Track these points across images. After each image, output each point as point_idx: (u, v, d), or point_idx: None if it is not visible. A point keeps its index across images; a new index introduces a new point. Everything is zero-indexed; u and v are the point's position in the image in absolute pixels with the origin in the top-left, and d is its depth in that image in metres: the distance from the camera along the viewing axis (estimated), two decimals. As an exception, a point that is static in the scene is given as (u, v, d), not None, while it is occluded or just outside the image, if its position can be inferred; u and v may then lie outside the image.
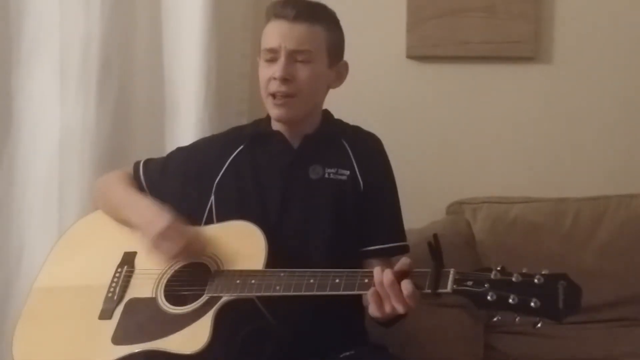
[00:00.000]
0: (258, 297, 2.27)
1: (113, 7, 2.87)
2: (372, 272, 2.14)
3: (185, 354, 2.21)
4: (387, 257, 2.49)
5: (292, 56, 2.46)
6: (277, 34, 2.48)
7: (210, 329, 2.23)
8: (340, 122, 2.68)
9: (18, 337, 2.49)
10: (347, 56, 2.60)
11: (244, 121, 3.01)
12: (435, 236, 2.06)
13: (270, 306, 2.30)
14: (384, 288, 2.09)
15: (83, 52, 2.84)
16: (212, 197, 2.58)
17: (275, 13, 2.49)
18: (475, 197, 3.23)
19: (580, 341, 2.94)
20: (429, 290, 2.04)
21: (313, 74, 2.49)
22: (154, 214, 2.45)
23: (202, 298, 2.32)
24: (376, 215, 2.54)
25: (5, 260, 2.87)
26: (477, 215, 3.17)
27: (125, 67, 2.95)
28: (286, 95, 2.48)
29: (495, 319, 1.97)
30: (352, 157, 2.56)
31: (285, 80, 2.46)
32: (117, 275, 2.50)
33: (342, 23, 2.59)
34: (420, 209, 3.05)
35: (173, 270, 2.46)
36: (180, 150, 2.75)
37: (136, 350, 2.30)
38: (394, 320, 2.25)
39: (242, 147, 2.62)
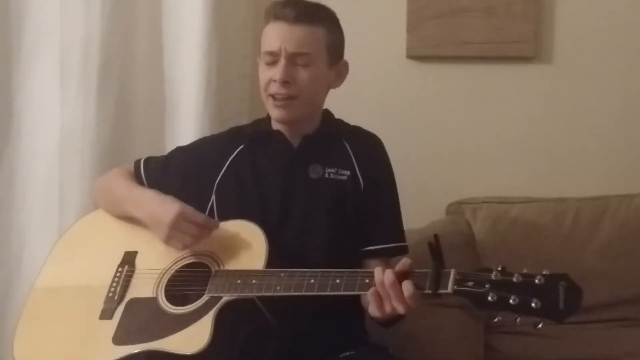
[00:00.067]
0: (258, 297, 2.27)
1: (113, 7, 2.88)
2: (372, 272, 2.14)
3: (186, 354, 2.21)
4: (386, 257, 2.49)
5: (292, 59, 2.46)
6: (277, 36, 2.47)
7: (211, 329, 2.22)
8: (340, 122, 2.68)
9: (19, 337, 2.49)
10: (347, 56, 2.61)
11: (244, 121, 3.01)
12: (435, 236, 2.06)
13: (271, 306, 2.30)
14: (384, 288, 2.09)
15: (83, 52, 2.85)
16: (213, 197, 2.58)
17: (275, 14, 2.49)
18: (475, 197, 3.23)
19: (581, 341, 2.93)
20: (430, 291, 2.04)
21: (313, 76, 2.49)
22: (159, 206, 2.46)
23: (202, 298, 2.32)
24: (376, 215, 2.55)
25: (5, 260, 2.88)
26: (477, 215, 3.16)
27: (126, 67, 2.96)
28: (287, 98, 2.48)
29: (496, 320, 1.97)
30: (352, 157, 2.56)
31: (285, 82, 2.46)
32: (118, 275, 2.51)
33: (342, 23, 2.59)
34: (420, 209, 3.05)
35: (174, 270, 2.46)
36: (180, 149, 2.75)
37: (137, 351, 2.30)
38: (394, 320, 2.25)
39: (242, 146, 2.62)
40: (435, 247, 2.05)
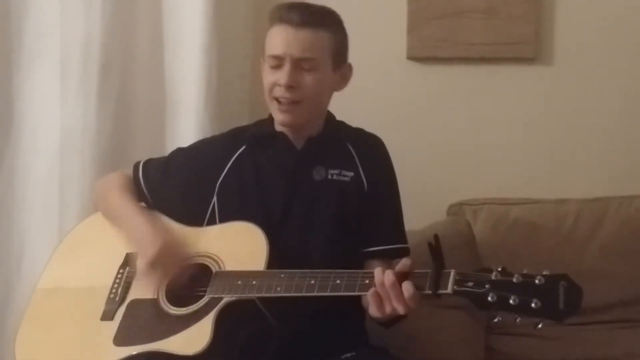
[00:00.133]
0: (259, 298, 2.27)
1: (114, 7, 2.88)
2: (372, 273, 2.14)
3: (187, 355, 2.21)
4: (388, 258, 2.48)
5: (297, 63, 2.45)
6: (282, 40, 2.45)
7: (212, 330, 2.23)
8: (342, 124, 2.68)
9: (20, 338, 2.50)
10: (348, 57, 2.60)
11: (244, 121, 3.01)
12: (435, 237, 2.07)
13: (271, 307, 2.30)
14: (384, 289, 2.09)
15: (84, 52, 2.85)
16: (215, 198, 2.57)
17: (280, 17, 2.47)
18: (476, 198, 3.23)
19: (581, 342, 2.94)
20: (430, 291, 2.04)
21: (318, 80, 2.48)
22: (144, 238, 2.45)
23: (203, 299, 2.32)
24: (379, 216, 2.55)
25: (6, 260, 2.88)
26: (478, 216, 3.16)
27: (126, 67, 2.96)
28: (291, 102, 2.47)
29: (495, 320, 1.97)
30: (356, 158, 2.56)
31: (290, 87, 2.45)
32: (119, 276, 2.51)
33: (343, 24, 2.60)
34: (420, 210, 3.05)
35: (174, 272, 2.46)
36: (181, 151, 2.74)
37: (137, 352, 2.30)
38: (394, 320, 2.26)
39: (244, 147, 2.61)
40: (435, 247, 2.05)
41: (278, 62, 2.46)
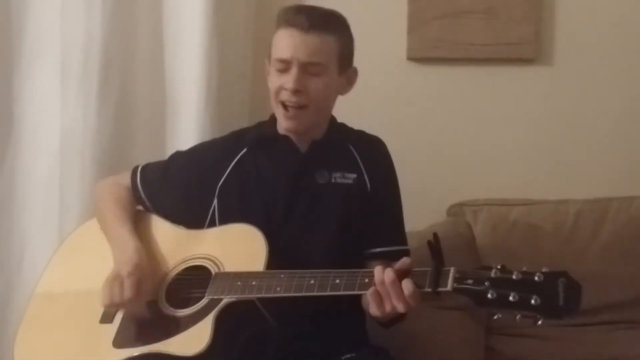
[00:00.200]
0: (259, 299, 2.26)
1: (114, 8, 2.88)
2: (372, 271, 2.14)
3: (187, 356, 2.21)
4: (388, 260, 2.45)
5: (305, 68, 2.44)
6: (289, 44, 2.44)
7: (211, 331, 2.22)
8: (344, 126, 2.68)
9: (19, 341, 2.50)
10: (353, 61, 2.60)
11: (244, 123, 3.01)
12: (435, 235, 2.07)
13: (271, 308, 2.30)
14: (385, 287, 2.09)
15: (84, 53, 2.86)
16: (215, 201, 2.57)
17: (287, 21, 2.46)
18: (476, 199, 3.23)
19: (581, 343, 2.93)
20: (430, 289, 2.04)
21: (324, 85, 2.48)
22: (120, 259, 2.45)
23: (203, 300, 2.32)
24: (381, 218, 2.55)
25: (6, 261, 2.89)
26: (478, 217, 3.16)
27: (126, 68, 2.96)
28: (298, 107, 2.46)
29: (495, 317, 1.97)
30: (359, 160, 2.57)
31: (297, 91, 2.44)
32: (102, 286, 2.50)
33: (343, 25, 2.59)
34: (420, 210, 3.04)
35: (174, 273, 2.47)
36: (180, 154, 2.75)
37: (137, 353, 2.30)
38: (394, 320, 2.26)
39: (245, 150, 2.61)
40: (434, 245, 2.05)
41: (285, 65, 2.45)
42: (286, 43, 2.44)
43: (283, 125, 2.53)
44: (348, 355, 2.45)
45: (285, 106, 2.47)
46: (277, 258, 2.34)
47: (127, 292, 2.36)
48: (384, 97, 3.31)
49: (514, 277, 1.93)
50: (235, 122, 3.05)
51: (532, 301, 1.89)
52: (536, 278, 1.90)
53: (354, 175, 2.54)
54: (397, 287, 2.07)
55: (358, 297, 2.34)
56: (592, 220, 3.12)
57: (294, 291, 2.21)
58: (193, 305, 2.34)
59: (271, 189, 2.54)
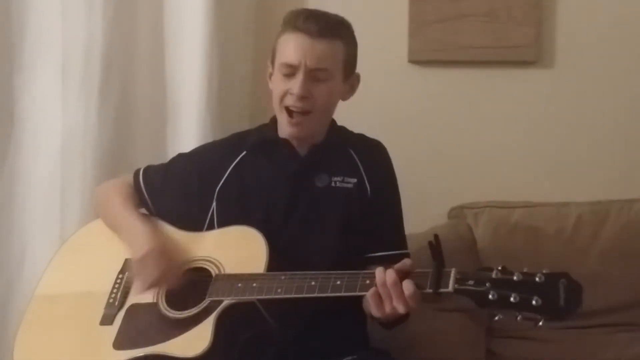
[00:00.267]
0: (259, 301, 2.26)
1: (115, 9, 2.89)
2: (373, 273, 2.15)
3: (187, 358, 2.21)
4: (388, 264, 2.45)
5: (311, 73, 2.44)
6: (297, 49, 2.44)
7: (212, 332, 2.23)
8: (344, 130, 2.68)
9: (19, 343, 2.50)
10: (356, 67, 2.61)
11: (245, 125, 3.02)
12: (436, 236, 2.07)
13: (272, 310, 2.30)
14: (386, 288, 2.09)
15: (85, 54, 2.86)
16: (214, 203, 2.57)
17: (295, 26, 2.45)
18: (477, 201, 3.23)
19: (582, 345, 2.93)
20: (431, 290, 2.04)
21: (330, 91, 2.49)
22: (138, 240, 2.47)
23: (203, 302, 2.33)
24: (381, 222, 2.55)
25: (6, 262, 2.87)
26: (479, 219, 3.16)
27: (127, 70, 2.97)
28: (302, 112, 2.47)
29: (496, 318, 1.98)
30: (359, 164, 2.57)
31: (303, 97, 2.44)
32: (118, 281, 2.51)
33: (344, 27, 2.60)
34: (421, 213, 3.05)
35: (174, 275, 2.46)
36: (181, 156, 2.75)
37: (137, 355, 2.30)
38: (396, 321, 2.26)
39: (244, 153, 2.61)
40: (435, 246, 2.06)
41: (291, 70, 2.45)
42: (294, 48, 2.44)
43: (286, 131, 2.53)
44: (349, 357, 2.45)
45: (289, 112, 2.47)
46: (277, 260, 2.34)
47: (162, 264, 2.40)
48: (385, 100, 3.32)
49: (514, 278, 1.93)
50: (235, 123, 3.06)
51: (533, 302, 1.89)
52: (537, 279, 1.91)
53: (354, 180, 2.54)
54: (398, 287, 2.08)
55: (358, 299, 2.33)
56: (592, 223, 3.12)
57: (294, 293, 2.21)
58: (193, 306, 2.34)
59: (271, 192, 2.54)
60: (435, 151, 3.34)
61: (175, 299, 2.40)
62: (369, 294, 2.12)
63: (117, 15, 2.90)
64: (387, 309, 2.11)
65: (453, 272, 2.02)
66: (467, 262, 2.93)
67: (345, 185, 2.53)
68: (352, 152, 2.59)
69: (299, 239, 2.49)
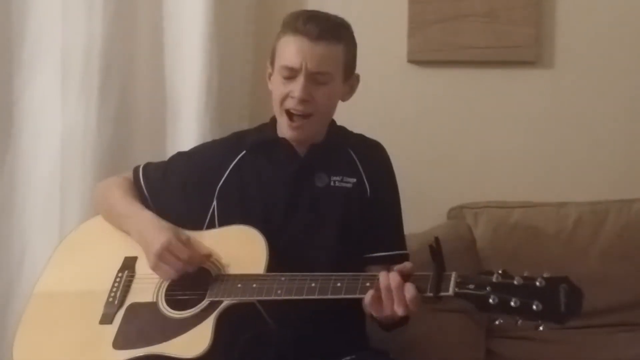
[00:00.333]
0: (259, 301, 2.27)
1: (115, 11, 2.89)
2: (374, 275, 2.15)
3: (187, 358, 2.21)
4: (388, 264, 2.45)
5: (312, 77, 2.43)
6: (298, 53, 2.43)
7: (212, 333, 2.23)
8: (344, 130, 2.68)
9: (18, 342, 2.49)
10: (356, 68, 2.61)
11: (245, 125, 3.02)
12: (436, 239, 2.07)
13: (272, 311, 2.30)
14: (389, 291, 2.09)
15: (85, 55, 2.86)
16: (215, 202, 2.57)
17: (296, 29, 2.44)
18: (477, 201, 3.23)
19: (582, 346, 2.93)
20: (431, 294, 2.04)
21: (330, 93, 2.49)
22: (151, 233, 2.45)
23: (203, 302, 2.32)
24: (381, 222, 2.55)
25: (6, 263, 2.89)
26: (478, 219, 3.16)
27: (127, 70, 2.97)
28: (303, 115, 2.46)
29: (497, 322, 1.98)
30: (359, 164, 2.57)
31: (304, 101, 2.44)
32: (118, 280, 2.50)
33: (344, 27, 2.59)
34: (421, 213, 3.05)
35: (175, 275, 2.46)
36: (181, 154, 2.74)
37: (137, 355, 2.30)
38: (395, 324, 2.27)
39: (244, 152, 2.61)
40: (436, 250, 2.05)
41: (292, 73, 2.44)
42: (294, 51, 2.43)
43: (287, 134, 2.52)
44: (348, 358, 2.45)
45: (290, 115, 2.47)
46: (277, 260, 2.34)
47: (183, 254, 2.38)
48: (384, 100, 3.31)
49: (515, 282, 1.93)
50: (235, 123, 3.06)
51: (534, 307, 1.89)
52: (537, 283, 1.91)
53: (354, 180, 2.54)
54: (401, 291, 2.08)
55: (358, 299, 2.32)
56: (592, 223, 3.12)
57: (294, 294, 2.21)
58: (193, 307, 2.33)
59: (270, 191, 2.54)
60: (434, 151, 3.34)
61: (175, 299, 2.40)
62: (368, 297, 2.12)
63: (117, 15, 2.90)
64: (387, 311, 2.11)
65: (453, 275, 2.02)
66: (467, 262, 2.96)
67: (344, 185, 2.53)
68: (351, 152, 2.59)
69: (299, 239, 2.49)
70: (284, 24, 2.50)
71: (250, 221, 2.44)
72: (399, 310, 2.08)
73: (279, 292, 2.22)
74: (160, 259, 2.39)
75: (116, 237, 2.61)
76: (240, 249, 2.43)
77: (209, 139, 2.88)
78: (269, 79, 2.58)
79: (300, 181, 2.54)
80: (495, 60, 3.29)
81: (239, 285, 2.28)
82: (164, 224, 2.47)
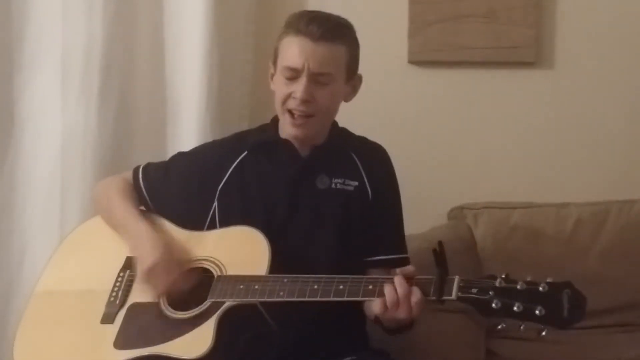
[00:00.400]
0: (261, 303, 2.27)
1: (115, 11, 2.89)
2: (376, 278, 2.19)
3: (188, 359, 2.21)
4: (388, 268, 2.46)
5: (314, 77, 2.42)
6: (300, 53, 2.42)
7: (213, 334, 2.23)
8: (346, 132, 2.68)
9: (19, 341, 2.49)
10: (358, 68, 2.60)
11: (245, 125, 3.02)
12: (440, 243, 2.08)
13: (273, 312, 2.30)
14: (397, 298, 2.11)
15: (85, 56, 2.86)
16: (215, 203, 2.56)
17: (299, 29, 2.43)
18: (477, 202, 3.23)
19: (582, 347, 2.93)
20: (434, 297, 2.06)
21: (332, 94, 2.48)
22: (144, 249, 2.45)
23: (205, 303, 2.32)
24: (382, 226, 2.55)
25: (6, 263, 2.89)
26: (479, 220, 3.16)
27: (127, 71, 2.97)
28: (305, 115, 2.46)
29: (499, 327, 1.98)
30: (361, 168, 2.56)
31: (305, 101, 2.43)
32: (120, 279, 2.51)
33: (344, 28, 2.59)
34: (421, 214, 3.05)
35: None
36: (181, 155, 2.74)
37: (138, 355, 2.30)
38: (399, 328, 2.28)
39: (245, 153, 2.60)
40: (439, 253, 2.06)
41: (294, 74, 2.44)
42: (296, 52, 2.42)
43: (289, 132, 2.51)
44: (348, 358, 2.45)
45: (292, 114, 2.47)
46: (278, 261, 2.34)
47: (173, 271, 2.40)
48: (385, 100, 3.31)
49: (518, 287, 1.94)
50: (235, 123, 3.06)
51: (537, 312, 1.90)
52: (541, 288, 1.92)
53: (356, 183, 2.54)
54: (408, 298, 2.10)
55: (359, 301, 2.34)
56: (592, 224, 3.13)
57: (297, 296, 2.21)
58: (195, 307, 2.33)
59: (272, 192, 2.54)
60: (434, 151, 3.34)
61: (177, 299, 2.40)
62: (379, 307, 2.14)
63: (117, 15, 2.90)
64: (391, 314, 2.13)
65: (456, 279, 2.03)
66: (467, 263, 2.96)
67: (346, 187, 2.53)
68: (353, 155, 2.58)
69: (300, 240, 2.49)
70: (287, 24, 2.49)
71: (251, 222, 2.44)
72: (402, 314, 2.10)
73: (281, 294, 2.23)
74: (149, 277, 2.40)
75: (117, 236, 2.60)
76: (242, 249, 2.43)
77: (209, 139, 2.88)
78: (272, 79, 2.57)
79: (301, 182, 2.54)
80: (495, 61, 3.29)
81: (241, 287, 2.28)
82: (157, 242, 2.46)
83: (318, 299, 2.19)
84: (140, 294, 2.45)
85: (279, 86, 2.49)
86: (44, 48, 2.89)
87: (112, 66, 2.91)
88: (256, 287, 2.26)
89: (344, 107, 2.60)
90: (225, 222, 2.53)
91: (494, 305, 1.94)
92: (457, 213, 3.24)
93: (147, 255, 2.41)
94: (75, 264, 2.63)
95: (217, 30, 3.03)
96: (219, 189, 2.57)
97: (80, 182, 2.88)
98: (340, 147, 2.59)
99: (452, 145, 3.35)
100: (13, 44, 2.88)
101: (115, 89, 2.92)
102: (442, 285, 2.04)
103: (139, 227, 2.53)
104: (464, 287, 2.01)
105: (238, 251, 2.43)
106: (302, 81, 2.42)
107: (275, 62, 2.53)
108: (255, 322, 2.31)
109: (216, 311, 2.27)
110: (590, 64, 3.30)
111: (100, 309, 2.45)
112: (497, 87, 3.33)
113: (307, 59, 2.41)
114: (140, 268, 2.42)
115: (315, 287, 2.20)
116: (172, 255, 2.43)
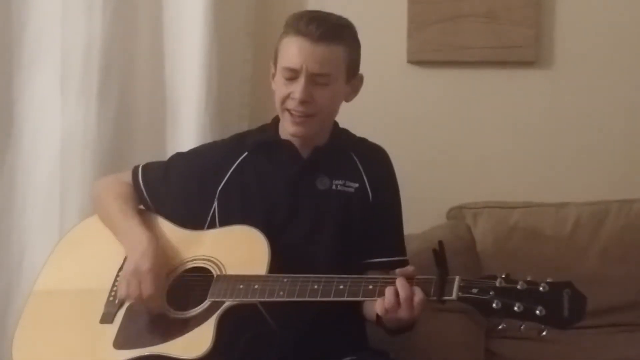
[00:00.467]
0: (261, 303, 2.27)
1: (114, 11, 2.89)
2: (376, 278, 2.18)
3: (188, 359, 2.21)
4: (387, 270, 2.46)
5: (313, 78, 2.42)
6: (299, 54, 2.42)
7: (213, 333, 2.23)
8: (347, 133, 2.68)
9: (17, 341, 2.49)
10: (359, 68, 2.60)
11: (245, 126, 3.02)
12: (440, 243, 2.07)
13: (273, 312, 2.30)
14: (398, 300, 2.11)
15: (84, 56, 2.87)
16: (215, 204, 2.56)
17: (298, 30, 2.42)
18: (476, 202, 3.22)
19: (581, 346, 2.93)
20: (435, 297, 2.06)
21: (332, 95, 2.47)
22: (135, 255, 2.43)
23: (204, 303, 2.32)
24: (382, 228, 2.55)
25: (6, 263, 2.89)
26: (478, 220, 3.16)
27: (127, 71, 2.97)
28: (305, 116, 2.46)
29: (500, 327, 1.98)
30: (361, 169, 2.56)
31: (305, 102, 2.43)
32: (119, 278, 2.49)
33: (343, 28, 2.59)
34: (420, 213, 3.04)
35: (176, 275, 2.46)
36: (181, 155, 2.74)
37: (138, 355, 2.30)
38: (400, 330, 2.27)
39: (246, 154, 2.60)
40: (439, 254, 2.06)
41: (293, 74, 2.43)
42: (295, 52, 2.42)
43: (289, 130, 2.51)
44: (348, 358, 2.45)
45: (291, 113, 2.47)
46: (278, 262, 2.34)
47: (149, 289, 2.36)
48: (384, 100, 3.30)
49: (518, 287, 1.94)
50: (235, 124, 3.06)
51: (537, 312, 1.90)
52: (541, 288, 1.92)
53: (356, 185, 2.54)
54: (410, 300, 2.09)
55: (359, 301, 2.34)
56: (592, 223, 3.12)
57: (297, 296, 2.21)
58: (194, 307, 2.34)
59: (272, 193, 2.54)
60: (434, 151, 3.34)
61: (176, 298, 2.40)
62: (382, 307, 2.14)
63: (117, 16, 2.90)
64: (393, 315, 2.13)
65: (457, 279, 2.03)
66: (466, 262, 2.95)
67: (346, 189, 2.53)
68: (354, 156, 2.59)
69: (300, 240, 2.49)
70: (287, 25, 2.48)
71: (251, 222, 2.44)
72: (404, 315, 2.10)
73: (281, 293, 2.23)
74: (129, 280, 2.38)
75: (116, 235, 2.61)
76: (241, 249, 2.43)
77: (209, 139, 2.89)
78: (272, 79, 2.57)
79: (301, 183, 2.54)
80: (495, 61, 3.29)
81: (241, 286, 2.28)
82: (150, 252, 2.43)
83: (318, 299, 2.19)
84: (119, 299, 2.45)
85: (279, 86, 2.49)
86: (44, 48, 2.90)
87: (112, 66, 2.91)
88: (256, 286, 2.26)
89: (343, 106, 2.60)
90: (225, 222, 2.53)
91: (494, 305, 1.94)
92: (457, 213, 3.23)
93: (136, 261, 2.41)
94: (73, 263, 2.63)
95: (216, 30, 3.02)
96: (219, 189, 2.57)
97: (80, 182, 2.88)
98: (341, 148, 2.60)
99: (452, 145, 3.34)
100: (13, 44, 2.89)
101: (115, 89, 2.92)
102: (443, 285, 2.04)
103: (135, 233, 2.51)
104: (464, 287, 2.01)
105: (238, 251, 2.43)
106: (301, 82, 2.42)
107: (275, 63, 2.53)
108: (255, 322, 2.31)
109: (216, 311, 2.27)
110: (590, 64, 3.29)
111: (100, 308, 2.45)
112: (497, 86, 3.32)
113: (306, 60, 2.41)
114: (125, 269, 2.42)
115: (315, 287, 2.20)
116: (158, 274, 2.40)
